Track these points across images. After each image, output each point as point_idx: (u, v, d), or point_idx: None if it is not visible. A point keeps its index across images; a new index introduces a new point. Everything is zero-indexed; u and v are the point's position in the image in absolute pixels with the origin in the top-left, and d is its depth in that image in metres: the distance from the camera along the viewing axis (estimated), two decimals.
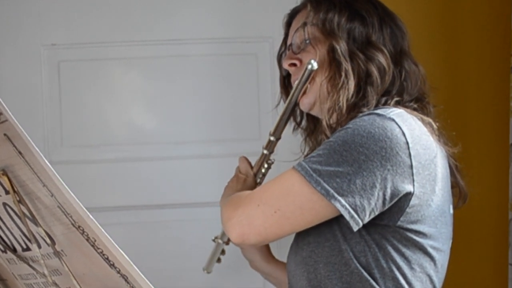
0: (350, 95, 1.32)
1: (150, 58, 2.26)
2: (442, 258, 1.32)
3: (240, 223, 1.26)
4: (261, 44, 2.27)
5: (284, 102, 1.51)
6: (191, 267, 2.25)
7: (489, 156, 2.24)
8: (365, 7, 1.40)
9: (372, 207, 1.20)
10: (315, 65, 1.35)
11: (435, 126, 1.32)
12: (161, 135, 2.28)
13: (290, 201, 1.23)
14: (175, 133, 2.28)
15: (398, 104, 1.33)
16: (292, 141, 1.58)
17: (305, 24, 1.40)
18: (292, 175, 1.24)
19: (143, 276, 0.92)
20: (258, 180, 1.54)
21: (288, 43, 1.47)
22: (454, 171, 1.37)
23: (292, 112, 1.46)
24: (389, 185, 1.20)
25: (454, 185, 1.38)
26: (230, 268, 2.20)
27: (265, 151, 1.51)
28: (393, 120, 1.23)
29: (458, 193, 1.40)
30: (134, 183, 2.25)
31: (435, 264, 1.30)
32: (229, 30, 2.27)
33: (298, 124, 1.55)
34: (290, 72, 1.45)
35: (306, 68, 1.36)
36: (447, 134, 1.36)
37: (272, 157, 1.53)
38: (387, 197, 1.21)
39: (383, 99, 1.34)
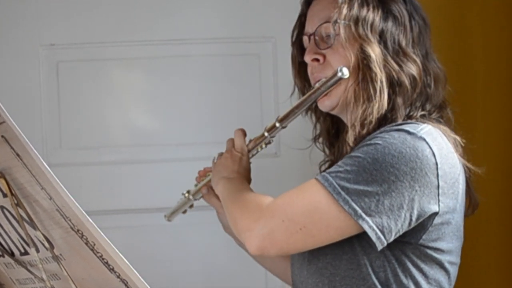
0: (383, 108, 1.28)
1: (150, 59, 2.25)
2: (455, 271, 1.32)
3: (261, 237, 1.23)
4: (263, 44, 2.26)
5: (299, 90, 1.47)
6: (192, 270, 2.24)
7: (496, 159, 2.22)
8: (396, 2, 1.33)
9: (398, 228, 1.19)
10: (346, 73, 1.29)
11: (460, 143, 1.31)
12: (161, 136, 2.27)
13: (317, 219, 1.21)
14: (176, 134, 2.26)
15: (423, 117, 1.31)
16: (302, 127, 1.55)
17: (336, 21, 1.31)
18: (318, 190, 1.21)
19: (143, 280, 0.92)
20: (251, 157, 1.49)
21: (310, 30, 1.38)
22: (468, 181, 1.35)
23: (306, 108, 1.41)
24: (416, 206, 1.19)
25: (466, 194, 1.35)
26: (231, 268, 2.19)
27: (266, 134, 1.45)
28: (424, 139, 1.21)
29: (468, 202, 1.37)
30: (134, 186, 2.24)
31: (449, 277, 1.30)
32: (231, 30, 2.26)
33: (309, 109, 1.47)
34: (311, 66, 1.38)
35: (336, 75, 1.30)
36: (468, 147, 1.33)
37: (275, 144, 1.48)
38: (413, 218, 1.20)
39: (408, 111, 1.31)
